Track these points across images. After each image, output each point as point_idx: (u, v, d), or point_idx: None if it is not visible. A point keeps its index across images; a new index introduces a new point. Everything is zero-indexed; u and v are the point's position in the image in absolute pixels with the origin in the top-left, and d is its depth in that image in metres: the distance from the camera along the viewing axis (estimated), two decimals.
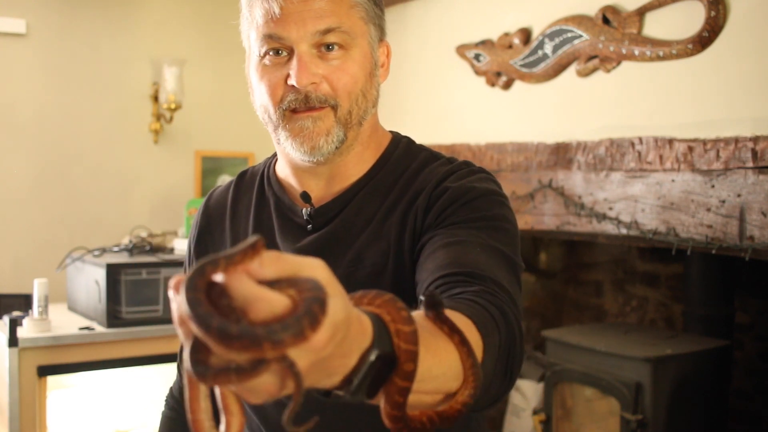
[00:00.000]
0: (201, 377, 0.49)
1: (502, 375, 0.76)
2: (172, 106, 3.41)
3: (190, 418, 0.56)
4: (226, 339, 0.46)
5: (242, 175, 1.22)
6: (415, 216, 1.02)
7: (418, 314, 0.68)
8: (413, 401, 0.65)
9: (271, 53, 1.01)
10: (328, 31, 0.99)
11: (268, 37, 1.00)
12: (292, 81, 0.99)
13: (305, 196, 1.08)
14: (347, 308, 0.53)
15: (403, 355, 0.59)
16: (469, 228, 0.94)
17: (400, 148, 1.12)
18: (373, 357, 0.57)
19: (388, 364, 0.59)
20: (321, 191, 1.09)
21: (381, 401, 0.62)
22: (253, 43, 1.04)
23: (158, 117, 3.54)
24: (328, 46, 1.00)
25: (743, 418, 2.94)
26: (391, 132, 1.15)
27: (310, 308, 0.48)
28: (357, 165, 1.09)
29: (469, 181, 1.01)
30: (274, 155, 1.18)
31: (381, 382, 0.60)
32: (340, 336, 0.52)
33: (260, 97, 1.04)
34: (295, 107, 1.01)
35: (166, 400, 1.32)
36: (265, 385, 0.50)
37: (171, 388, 1.32)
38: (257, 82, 1.04)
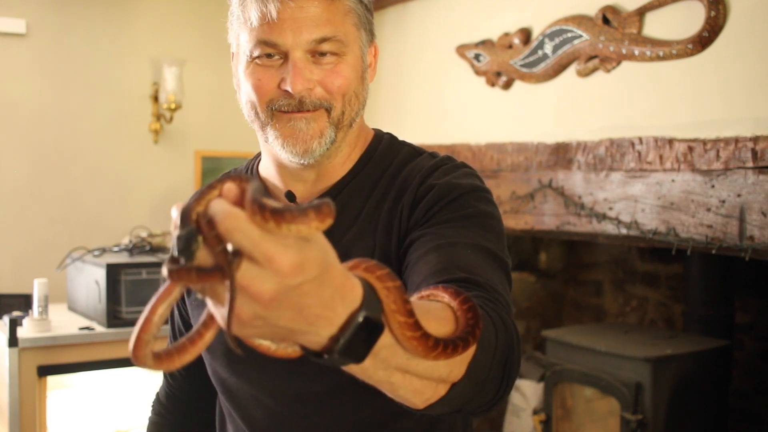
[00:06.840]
0: (171, 274, 0.53)
1: (499, 379, 0.76)
2: (172, 106, 3.41)
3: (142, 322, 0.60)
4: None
5: (227, 176, 1.22)
6: (401, 213, 1.02)
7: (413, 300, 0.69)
8: (403, 384, 0.67)
9: (264, 56, 1.00)
10: (323, 40, 0.99)
11: (263, 43, 0.99)
12: (286, 86, 0.99)
13: (290, 196, 1.08)
14: (327, 252, 0.54)
15: (393, 301, 0.62)
16: (457, 227, 0.95)
17: (383, 144, 1.12)
18: (360, 318, 0.59)
19: (376, 329, 0.60)
20: (306, 191, 1.09)
21: (398, 334, 0.62)
22: (243, 44, 1.02)
23: (158, 117, 3.54)
24: (322, 53, 1.00)
25: (743, 418, 2.94)
26: (373, 129, 1.16)
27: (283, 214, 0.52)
28: (343, 165, 1.09)
29: (454, 177, 1.02)
30: (257, 156, 1.17)
31: (369, 345, 0.61)
32: (313, 272, 0.53)
33: (248, 95, 1.03)
34: (288, 110, 1.01)
35: (152, 406, 1.33)
36: (213, 291, 0.54)
37: (157, 394, 1.33)
38: (245, 80, 1.03)
